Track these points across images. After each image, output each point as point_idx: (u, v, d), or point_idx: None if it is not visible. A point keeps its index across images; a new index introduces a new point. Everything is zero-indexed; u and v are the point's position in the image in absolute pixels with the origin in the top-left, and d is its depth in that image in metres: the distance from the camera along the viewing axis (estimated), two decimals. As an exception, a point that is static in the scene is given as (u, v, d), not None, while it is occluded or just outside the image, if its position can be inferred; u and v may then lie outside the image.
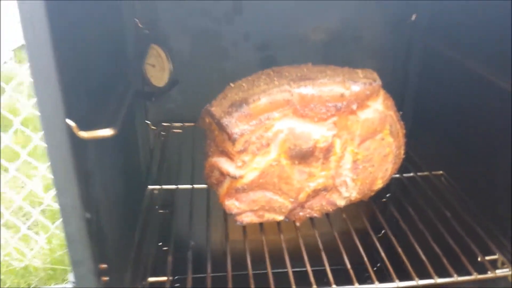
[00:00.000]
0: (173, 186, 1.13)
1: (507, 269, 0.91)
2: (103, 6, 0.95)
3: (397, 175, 1.15)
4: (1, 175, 2.45)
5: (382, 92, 0.96)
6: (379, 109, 0.93)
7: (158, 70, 1.21)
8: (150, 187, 1.12)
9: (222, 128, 0.86)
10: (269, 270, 0.92)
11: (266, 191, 0.91)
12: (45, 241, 2.11)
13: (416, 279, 0.89)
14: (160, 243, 1.29)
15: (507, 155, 0.97)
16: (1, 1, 2.74)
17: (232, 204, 0.92)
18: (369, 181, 0.98)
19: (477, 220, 1.02)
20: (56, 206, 2.16)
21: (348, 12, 1.27)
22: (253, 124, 0.85)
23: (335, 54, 1.31)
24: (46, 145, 0.61)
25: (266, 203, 0.93)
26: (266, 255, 0.96)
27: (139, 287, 0.93)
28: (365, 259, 0.95)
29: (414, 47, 1.33)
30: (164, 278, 0.88)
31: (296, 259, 0.96)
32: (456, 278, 0.89)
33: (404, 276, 0.91)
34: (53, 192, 2.23)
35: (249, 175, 0.88)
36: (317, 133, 0.88)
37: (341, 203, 1.00)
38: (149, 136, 1.32)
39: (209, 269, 0.93)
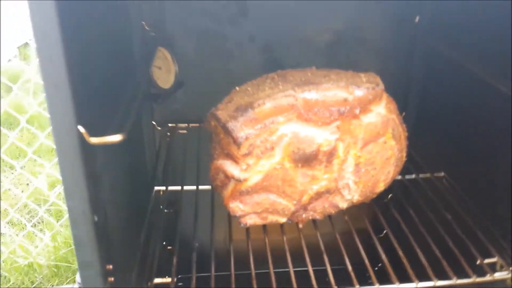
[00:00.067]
0: (178, 187, 1.14)
1: (505, 272, 0.93)
2: (111, 11, 0.96)
3: (399, 177, 1.16)
4: (7, 173, 2.47)
5: (385, 96, 0.97)
6: (381, 113, 0.95)
7: (164, 72, 1.23)
8: (156, 188, 1.13)
9: (227, 132, 0.88)
10: (271, 270, 0.94)
11: (270, 194, 0.93)
12: (50, 239, 2.13)
13: (416, 281, 0.90)
14: (164, 242, 1.30)
15: (507, 157, 0.99)
16: (1, 1, 2.76)
17: (236, 207, 0.94)
18: (371, 183, 0.99)
19: (477, 223, 1.03)
20: (61, 204, 2.19)
21: (351, 14, 1.29)
22: (258, 128, 0.86)
23: (339, 55, 1.32)
24: (56, 151, 0.63)
25: (270, 205, 0.94)
26: (269, 255, 0.97)
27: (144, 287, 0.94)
28: (366, 261, 0.96)
29: (416, 48, 1.34)
30: (169, 280, 0.90)
31: (298, 259, 0.97)
32: (455, 281, 0.90)
33: (404, 277, 0.92)
34: (58, 190, 2.25)
35: (253, 178, 0.90)
36: (321, 137, 0.90)
37: (343, 205, 1.01)
38: (155, 137, 1.33)
39: (213, 269, 0.95)
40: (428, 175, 1.21)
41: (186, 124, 1.31)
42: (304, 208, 0.98)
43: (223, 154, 0.92)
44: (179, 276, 1.37)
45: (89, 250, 0.71)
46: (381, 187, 1.02)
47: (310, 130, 0.89)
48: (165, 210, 1.20)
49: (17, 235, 2.16)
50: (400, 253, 0.97)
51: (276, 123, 0.87)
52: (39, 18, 0.57)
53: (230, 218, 1.03)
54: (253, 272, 0.94)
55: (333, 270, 0.94)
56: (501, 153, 1.03)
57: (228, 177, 0.93)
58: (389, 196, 1.23)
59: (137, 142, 1.19)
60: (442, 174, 1.22)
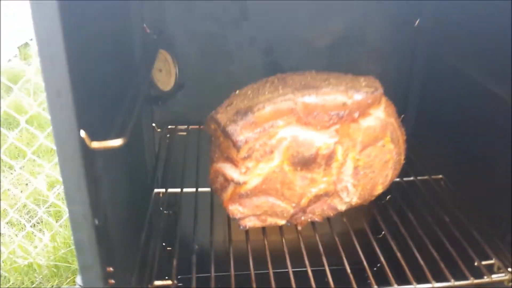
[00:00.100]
0: (178, 190, 1.14)
1: (503, 274, 0.93)
2: (111, 13, 0.97)
3: (398, 179, 1.17)
4: (6, 173, 2.47)
5: (383, 100, 0.98)
6: (380, 116, 0.95)
7: (164, 75, 1.23)
8: (156, 190, 1.14)
9: (227, 136, 0.89)
10: (271, 270, 0.95)
11: (269, 197, 0.94)
12: (49, 239, 2.13)
13: (414, 283, 0.91)
14: (164, 243, 1.31)
15: (506, 160, 0.99)
16: (1, 1, 2.76)
17: (235, 209, 0.95)
18: (370, 186, 1.00)
19: (475, 224, 1.04)
20: (60, 204, 2.19)
21: (352, 16, 1.29)
22: (258, 132, 0.87)
23: (340, 57, 1.32)
24: (58, 156, 0.63)
25: (269, 208, 0.95)
26: (268, 256, 0.98)
27: (144, 288, 0.95)
28: (365, 263, 0.97)
29: (417, 50, 1.34)
30: (169, 282, 0.91)
31: (297, 260, 0.98)
32: (453, 283, 0.91)
33: (402, 279, 0.93)
34: (57, 190, 2.25)
35: (252, 181, 0.91)
36: (320, 140, 0.90)
37: (342, 207, 1.02)
38: (155, 139, 1.34)
39: (212, 270, 0.95)
40: (426, 177, 1.22)
41: (186, 126, 1.31)
42: (303, 210, 0.98)
43: (223, 157, 0.93)
44: (179, 277, 1.37)
45: (90, 253, 0.72)
46: (379, 190, 1.02)
47: (309, 134, 0.89)
48: (165, 212, 1.21)
49: (16, 235, 2.16)
50: (399, 255, 0.98)
51: (275, 127, 0.88)
52: (42, 24, 0.57)
53: (230, 220, 1.04)
54: (253, 272, 0.94)
55: (331, 271, 0.95)
56: (499, 156, 1.03)
57: (227, 180, 0.94)
58: (388, 197, 1.23)
59: (137, 143, 1.19)
60: (441, 176, 1.22)
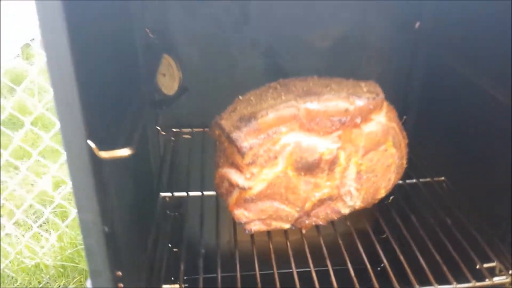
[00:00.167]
0: (184, 194, 1.16)
1: (504, 277, 0.94)
2: (114, 18, 0.98)
3: (400, 181, 1.17)
4: (12, 174, 2.49)
5: (385, 105, 0.99)
6: (382, 121, 0.97)
7: (168, 79, 1.25)
8: (162, 194, 1.15)
9: (231, 142, 0.90)
10: (275, 271, 0.97)
11: (274, 201, 0.95)
12: (56, 239, 2.15)
13: (416, 286, 0.92)
14: (170, 245, 1.33)
15: (507, 162, 1.00)
16: (1, 1, 2.77)
17: (241, 214, 0.96)
18: (373, 190, 1.01)
19: (477, 227, 1.05)
20: (66, 204, 2.21)
21: (352, 17, 1.29)
22: (261, 138, 0.89)
23: (340, 58, 1.33)
24: (68, 166, 0.65)
25: (274, 212, 0.96)
26: (273, 257, 1.00)
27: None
28: (368, 265, 0.98)
29: (418, 53, 1.35)
30: (177, 286, 0.92)
31: (301, 261, 1.00)
32: (455, 286, 0.92)
33: (405, 281, 0.94)
34: (62, 190, 2.27)
35: (257, 186, 0.92)
36: (323, 146, 0.92)
37: (346, 211, 1.03)
38: (160, 142, 1.35)
39: (219, 271, 0.98)
40: (428, 179, 1.23)
41: (190, 129, 1.33)
42: (307, 214, 1.00)
43: (228, 163, 0.95)
44: (185, 278, 1.39)
45: (100, 259, 0.74)
46: (382, 193, 1.04)
47: (312, 140, 0.91)
48: (172, 214, 1.22)
49: (23, 235, 2.18)
50: (401, 257, 0.99)
51: (279, 133, 0.89)
52: (51, 39, 0.59)
53: (235, 223, 1.05)
54: (258, 273, 0.97)
55: (335, 271, 0.97)
56: (499, 157, 1.04)
57: (233, 185, 0.95)
58: (391, 198, 1.24)
59: (142, 148, 1.21)
60: (442, 178, 1.23)
